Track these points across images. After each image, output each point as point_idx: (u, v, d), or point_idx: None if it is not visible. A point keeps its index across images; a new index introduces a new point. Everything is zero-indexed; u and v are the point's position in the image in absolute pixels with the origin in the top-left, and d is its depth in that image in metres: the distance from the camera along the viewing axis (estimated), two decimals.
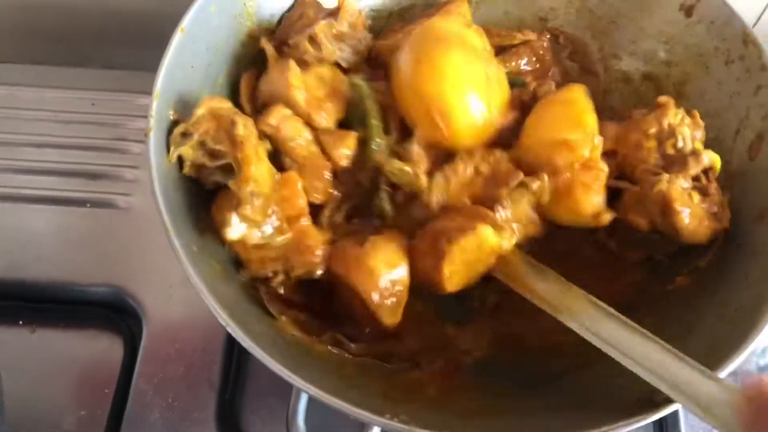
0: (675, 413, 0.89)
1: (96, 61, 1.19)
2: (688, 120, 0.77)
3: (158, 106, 0.69)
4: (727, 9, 0.83)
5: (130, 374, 0.89)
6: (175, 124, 0.71)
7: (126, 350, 0.92)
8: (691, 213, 0.74)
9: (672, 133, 0.76)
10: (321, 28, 0.79)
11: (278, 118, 0.74)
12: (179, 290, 0.95)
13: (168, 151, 0.70)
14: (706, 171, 0.76)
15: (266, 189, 0.69)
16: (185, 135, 0.71)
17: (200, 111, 0.70)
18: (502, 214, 0.73)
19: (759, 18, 1.15)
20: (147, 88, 1.08)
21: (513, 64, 0.90)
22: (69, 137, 1.08)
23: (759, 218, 0.75)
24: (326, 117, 0.77)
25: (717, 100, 0.84)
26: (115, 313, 0.95)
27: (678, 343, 0.65)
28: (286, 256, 0.72)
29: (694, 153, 0.76)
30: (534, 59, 0.92)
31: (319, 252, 0.72)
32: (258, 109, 0.78)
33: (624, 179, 0.78)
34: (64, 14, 1.22)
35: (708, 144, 0.79)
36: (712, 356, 0.65)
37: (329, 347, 0.73)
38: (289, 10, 0.86)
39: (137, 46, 1.19)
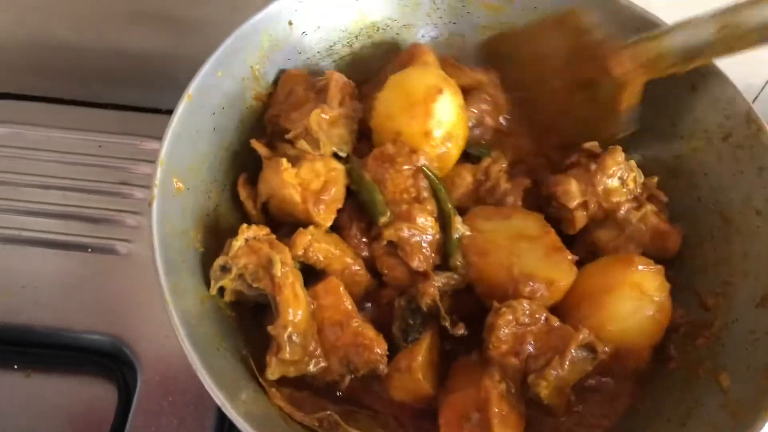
0: None
1: (106, 99, 1.20)
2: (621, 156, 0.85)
3: (162, 174, 0.69)
4: (731, 88, 0.83)
5: (123, 423, 0.89)
6: (179, 192, 0.71)
7: (120, 399, 0.92)
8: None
9: (629, 169, 0.84)
10: (314, 119, 0.79)
11: (303, 246, 0.75)
12: (175, 341, 0.92)
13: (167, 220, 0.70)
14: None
15: (303, 326, 0.71)
16: (225, 269, 0.72)
17: (238, 243, 0.72)
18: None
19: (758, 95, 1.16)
20: (153, 132, 1.11)
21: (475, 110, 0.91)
22: (74, 179, 1.08)
23: (761, 304, 0.75)
24: (324, 210, 0.78)
25: (720, 178, 0.84)
26: (110, 361, 0.95)
27: (677, 428, 0.65)
28: (347, 358, 0.73)
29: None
30: (487, 98, 0.93)
31: (379, 350, 0.73)
32: (262, 208, 0.80)
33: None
34: (75, 52, 1.23)
35: (711, 219, 0.83)
36: None
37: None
38: (275, 83, 0.87)
39: (147, 86, 1.22)
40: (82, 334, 0.95)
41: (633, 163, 0.85)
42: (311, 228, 0.77)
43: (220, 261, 0.72)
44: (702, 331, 0.79)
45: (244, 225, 0.73)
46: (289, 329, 0.69)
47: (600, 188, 0.83)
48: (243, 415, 0.63)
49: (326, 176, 0.79)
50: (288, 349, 0.69)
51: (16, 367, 0.94)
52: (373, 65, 0.93)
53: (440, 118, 0.81)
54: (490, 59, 0.95)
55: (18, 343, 0.96)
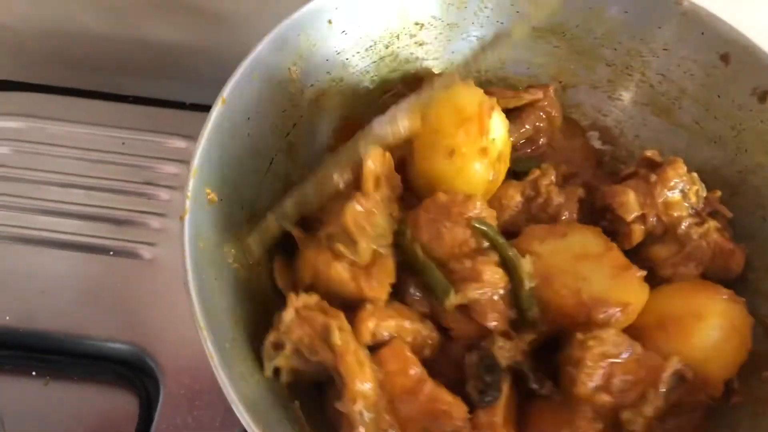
0: None
1: (128, 91, 1.17)
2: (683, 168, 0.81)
3: (195, 184, 0.64)
4: None
5: None
6: (212, 204, 0.67)
7: (141, 411, 0.89)
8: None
9: (691, 181, 0.80)
10: (350, 215, 0.71)
11: (370, 333, 0.69)
12: (199, 351, 0.89)
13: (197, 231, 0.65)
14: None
15: (373, 397, 0.65)
16: (278, 346, 0.67)
17: (289, 316, 0.66)
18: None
19: None
20: (179, 129, 1.08)
21: (522, 129, 0.88)
22: (96, 178, 1.05)
23: None
24: (378, 285, 0.71)
25: None
26: (131, 371, 0.92)
27: None
28: (426, 428, 0.67)
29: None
30: (542, 116, 0.89)
31: (459, 414, 0.68)
32: (304, 289, 0.72)
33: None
34: (98, 42, 1.20)
35: None
36: None
37: None
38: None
39: (170, 78, 1.20)
40: (103, 342, 0.93)
41: (695, 175, 0.80)
42: (369, 307, 0.71)
43: (271, 338, 0.67)
44: None
45: (293, 294, 0.67)
46: (360, 402, 0.63)
47: (660, 200, 0.78)
48: None
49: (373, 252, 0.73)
50: (362, 426, 0.63)
51: (34, 374, 0.92)
52: (415, 66, 0.89)
53: (494, 135, 0.76)
54: None
55: (36, 350, 0.93)
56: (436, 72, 0.91)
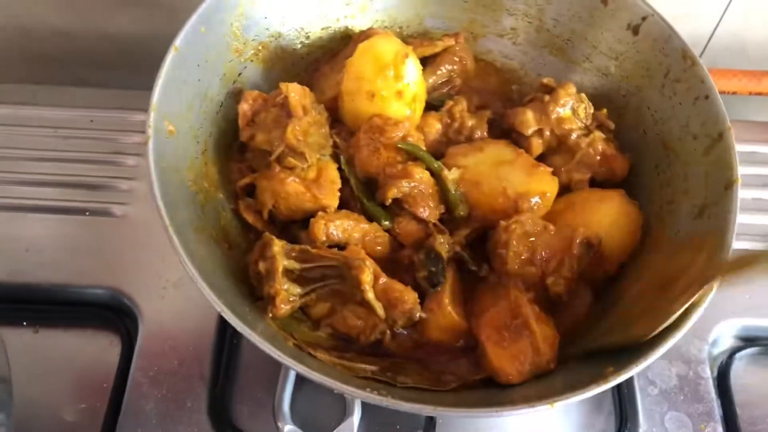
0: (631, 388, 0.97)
1: (92, 83, 1.27)
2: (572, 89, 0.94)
3: (155, 117, 0.76)
4: (668, 29, 0.92)
5: (126, 369, 0.96)
6: (171, 134, 0.79)
7: (123, 348, 0.98)
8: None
9: (579, 100, 0.93)
10: (291, 136, 0.85)
11: (323, 232, 0.83)
12: (172, 291, 1.01)
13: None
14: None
15: None
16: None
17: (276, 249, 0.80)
18: None
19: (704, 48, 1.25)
20: (142, 106, 1.14)
21: (439, 71, 1.00)
22: (69, 151, 1.15)
23: (698, 215, 0.83)
24: (328, 191, 0.86)
25: (662, 110, 0.93)
26: (112, 314, 1.01)
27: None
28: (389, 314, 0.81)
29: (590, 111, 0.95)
30: (456, 59, 1.01)
31: (409, 297, 0.81)
32: (268, 212, 0.88)
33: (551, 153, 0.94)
34: (62, 38, 1.28)
35: (655, 149, 0.92)
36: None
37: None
38: (253, 41, 0.94)
39: (131, 68, 1.25)
40: (85, 289, 1.02)
41: (583, 95, 0.93)
42: (321, 213, 0.84)
43: (260, 267, 0.81)
44: None
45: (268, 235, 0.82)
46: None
47: (553, 117, 0.91)
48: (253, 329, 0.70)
49: (317, 165, 0.87)
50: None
51: (24, 323, 1.00)
52: (344, 23, 1.01)
53: (408, 80, 0.89)
54: None
55: (26, 301, 1.02)
56: (358, 30, 1.03)
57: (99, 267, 1.04)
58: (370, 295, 0.79)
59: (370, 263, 0.79)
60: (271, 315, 0.78)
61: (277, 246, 0.79)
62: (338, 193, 0.86)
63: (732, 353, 1.03)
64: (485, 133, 0.94)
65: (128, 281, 1.02)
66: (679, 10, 0.93)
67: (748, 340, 1.05)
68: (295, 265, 0.80)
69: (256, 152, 0.89)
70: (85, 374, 0.97)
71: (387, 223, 0.87)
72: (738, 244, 0.78)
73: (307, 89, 0.90)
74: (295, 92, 0.87)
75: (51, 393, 0.95)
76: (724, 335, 1.04)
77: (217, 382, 0.96)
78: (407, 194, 0.85)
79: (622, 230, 0.87)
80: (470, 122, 0.93)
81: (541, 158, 0.93)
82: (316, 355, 0.78)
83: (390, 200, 0.85)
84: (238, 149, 0.92)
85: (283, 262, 0.78)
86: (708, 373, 0.99)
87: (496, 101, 1.01)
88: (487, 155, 0.90)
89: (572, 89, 0.93)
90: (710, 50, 1.27)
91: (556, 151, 0.93)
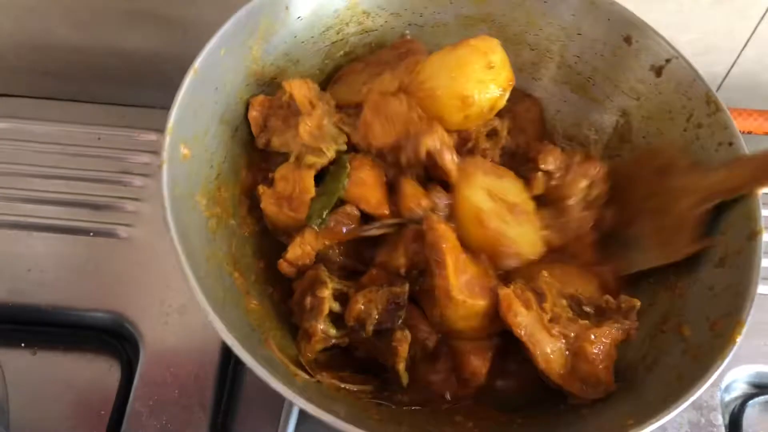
0: None
1: (102, 99, 1.25)
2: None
3: (170, 141, 0.74)
4: (692, 72, 0.90)
5: (126, 396, 0.93)
6: (185, 158, 0.77)
7: (123, 374, 0.96)
8: None
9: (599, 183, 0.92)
10: (305, 133, 0.84)
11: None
12: (175, 318, 1.00)
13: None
14: None
15: None
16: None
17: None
18: None
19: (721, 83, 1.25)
20: (150, 125, 1.17)
21: None
22: (75, 169, 1.13)
23: (719, 263, 0.81)
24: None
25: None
26: (113, 338, 0.99)
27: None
28: None
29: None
30: None
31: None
32: None
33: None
34: (72, 54, 1.27)
35: None
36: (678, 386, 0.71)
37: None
38: (273, 65, 0.92)
39: (140, 86, 1.26)
40: (86, 313, 1.00)
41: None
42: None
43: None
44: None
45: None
46: None
47: (569, 177, 0.91)
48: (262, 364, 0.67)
49: (291, 178, 0.85)
50: None
51: (23, 345, 0.98)
52: (362, 50, 1.00)
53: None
54: None
55: (25, 323, 1.00)
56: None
57: (101, 290, 1.02)
58: (401, 367, 0.77)
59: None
60: (301, 351, 0.78)
61: (328, 290, 0.78)
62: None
63: (745, 400, 1.01)
64: (497, 159, 0.92)
65: (131, 306, 1.00)
66: (697, 49, 0.92)
67: (761, 387, 1.03)
68: (338, 308, 0.79)
69: (274, 157, 0.88)
70: (83, 399, 0.95)
71: None
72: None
73: (310, 82, 0.89)
74: (299, 88, 0.86)
75: (47, 417, 0.93)
76: (737, 381, 1.03)
77: (218, 413, 0.93)
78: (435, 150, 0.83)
79: None
80: (484, 145, 0.91)
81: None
82: (318, 378, 0.77)
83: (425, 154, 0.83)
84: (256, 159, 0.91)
85: (330, 305, 0.77)
86: (720, 420, 0.98)
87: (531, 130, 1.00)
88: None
89: (602, 171, 0.92)
90: (725, 89, 1.27)
91: (551, 202, 0.91)
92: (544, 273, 0.81)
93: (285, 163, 0.86)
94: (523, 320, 0.76)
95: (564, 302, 0.79)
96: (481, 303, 0.77)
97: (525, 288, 0.78)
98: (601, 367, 0.77)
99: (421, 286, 0.82)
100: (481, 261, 0.81)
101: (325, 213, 0.82)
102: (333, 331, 0.79)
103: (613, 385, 0.77)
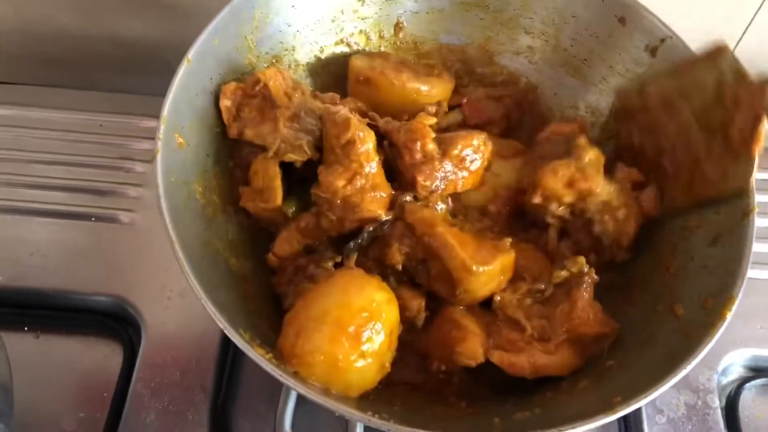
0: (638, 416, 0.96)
1: (102, 87, 1.26)
2: None
3: (165, 130, 0.75)
4: (687, 51, 0.90)
5: (128, 379, 0.95)
6: (180, 147, 0.78)
7: (125, 356, 0.97)
8: None
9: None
10: (283, 130, 0.83)
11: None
12: (177, 301, 1.01)
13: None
14: None
15: None
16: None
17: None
18: None
19: None
20: (152, 111, 1.14)
21: None
22: (77, 155, 1.15)
23: (713, 242, 0.82)
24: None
25: None
26: (115, 322, 1.00)
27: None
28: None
29: None
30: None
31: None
32: None
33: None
34: (74, 41, 1.27)
35: None
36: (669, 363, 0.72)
37: None
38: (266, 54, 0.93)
39: (142, 73, 1.26)
40: (88, 297, 1.01)
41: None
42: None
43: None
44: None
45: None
46: None
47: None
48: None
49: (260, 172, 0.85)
50: None
51: (26, 329, 0.99)
52: (358, 37, 1.01)
53: None
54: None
55: (28, 306, 1.01)
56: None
57: (103, 274, 1.03)
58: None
59: None
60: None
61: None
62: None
63: (741, 383, 1.02)
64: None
65: (132, 290, 1.01)
66: (697, 34, 0.91)
67: (758, 371, 1.04)
68: None
69: (244, 146, 0.88)
70: (85, 382, 0.96)
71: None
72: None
73: (285, 72, 0.87)
74: (274, 78, 0.85)
75: (50, 400, 0.94)
76: (733, 365, 1.04)
77: (219, 394, 0.95)
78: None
79: None
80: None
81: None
82: None
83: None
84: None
85: None
86: (717, 403, 0.98)
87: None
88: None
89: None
90: None
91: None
92: (497, 298, 0.83)
93: (258, 159, 0.85)
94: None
95: (528, 301, 0.82)
96: (496, 263, 0.80)
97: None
98: (591, 317, 0.81)
99: (430, 274, 0.83)
100: (468, 229, 0.84)
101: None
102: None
103: (614, 324, 0.82)
